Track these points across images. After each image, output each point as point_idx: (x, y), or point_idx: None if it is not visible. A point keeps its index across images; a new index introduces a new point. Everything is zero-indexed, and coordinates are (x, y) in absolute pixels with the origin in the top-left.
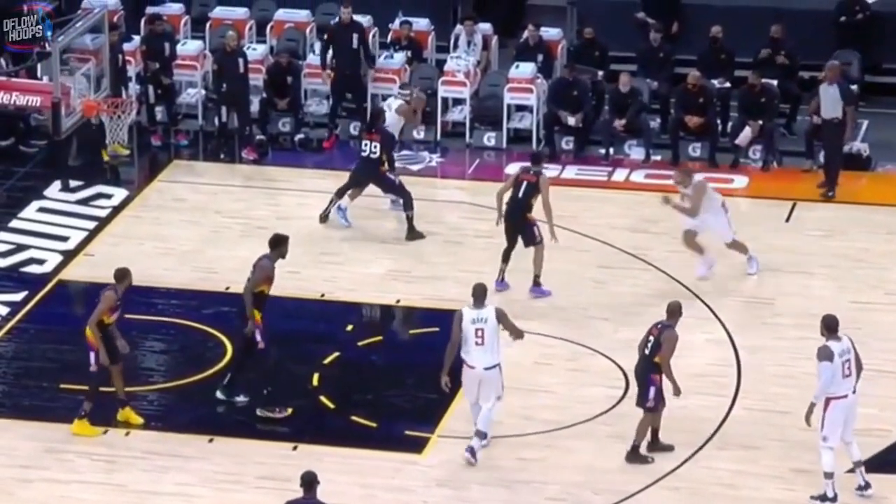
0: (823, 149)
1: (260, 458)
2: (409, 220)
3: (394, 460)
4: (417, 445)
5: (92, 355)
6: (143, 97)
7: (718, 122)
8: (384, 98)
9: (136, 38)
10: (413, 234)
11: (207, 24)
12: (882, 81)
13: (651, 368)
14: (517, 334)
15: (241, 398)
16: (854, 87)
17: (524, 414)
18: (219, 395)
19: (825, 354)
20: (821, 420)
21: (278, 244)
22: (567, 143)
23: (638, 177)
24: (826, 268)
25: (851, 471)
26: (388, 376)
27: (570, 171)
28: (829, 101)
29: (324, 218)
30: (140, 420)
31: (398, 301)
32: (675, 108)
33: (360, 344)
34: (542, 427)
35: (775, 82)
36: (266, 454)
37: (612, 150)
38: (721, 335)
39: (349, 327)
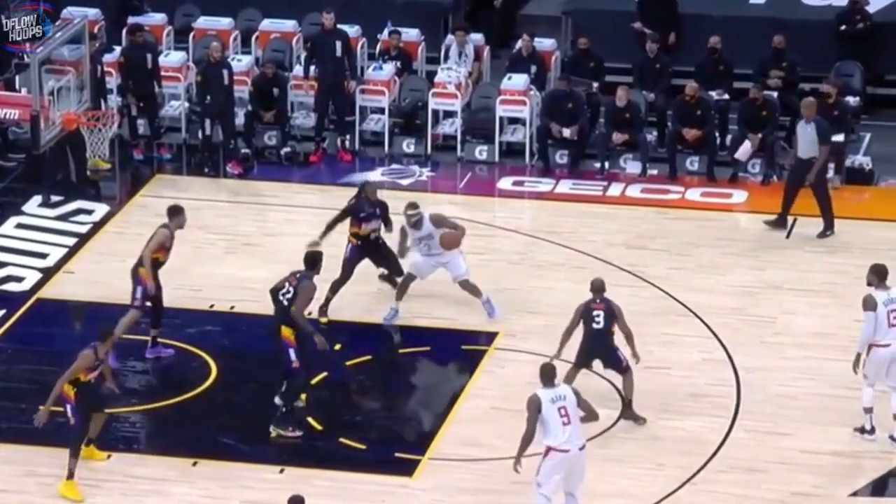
0: (818, 191)
1: (246, 481)
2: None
3: (384, 483)
4: (408, 468)
5: (68, 408)
6: (125, 109)
7: (717, 135)
8: (372, 112)
9: (117, 49)
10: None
11: (191, 35)
12: (885, 93)
13: (611, 339)
14: (593, 416)
15: (299, 402)
16: (856, 98)
17: (518, 436)
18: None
19: (870, 304)
20: (863, 363)
21: (315, 262)
22: (561, 157)
23: (634, 191)
24: (828, 285)
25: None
26: (377, 397)
27: (565, 186)
28: (808, 141)
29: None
30: (102, 455)
31: None
32: (672, 121)
33: (348, 364)
34: (536, 449)
35: (775, 94)
36: (252, 478)
37: (607, 165)
38: (720, 354)
39: (338, 346)
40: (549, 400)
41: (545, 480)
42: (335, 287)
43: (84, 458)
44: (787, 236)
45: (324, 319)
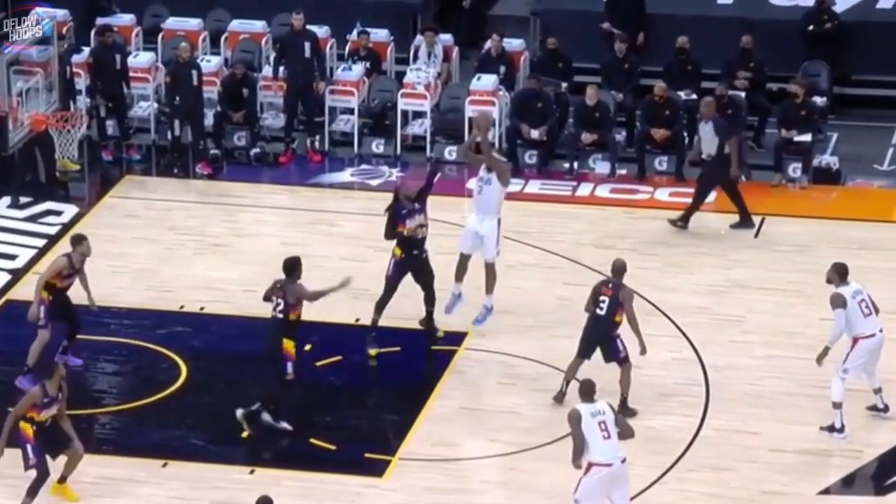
0: (702, 185)
1: (216, 482)
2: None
3: (354, 484)
4: (378, 469)
5: (29, 448)
6: (94, 110)
7: (685, 134)
8: (341, 112)
9: (86, 50)
10: None
11: (160, 36)
12: (851, 93)
13: (614, 326)
14: (629, 433)
15: (284, 424)
16: (823, 98)
17: (487, 436)
18: (265, 417)
19: (838, 302)
20: (846, 354)
21: (294, 268)
22: (531, 157)
23: (603, 191)
24: (795, 284)
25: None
26: (347, 397)
27: (534, 186)
28: (707, 139)
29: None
30: (77, 497)
31: (357, 320)
32: (640, 121)
33: (318, 364)
34: (505, 449)
35: (743, 94)
36: (222, 479)
37: (576, 165)
38: (688, 353)
39: (307, 347)
40: (590, 414)
41: (585, 497)
42: (379, 307)
43: (52, 492)
44: (756, 236)
45: (373, 351)
